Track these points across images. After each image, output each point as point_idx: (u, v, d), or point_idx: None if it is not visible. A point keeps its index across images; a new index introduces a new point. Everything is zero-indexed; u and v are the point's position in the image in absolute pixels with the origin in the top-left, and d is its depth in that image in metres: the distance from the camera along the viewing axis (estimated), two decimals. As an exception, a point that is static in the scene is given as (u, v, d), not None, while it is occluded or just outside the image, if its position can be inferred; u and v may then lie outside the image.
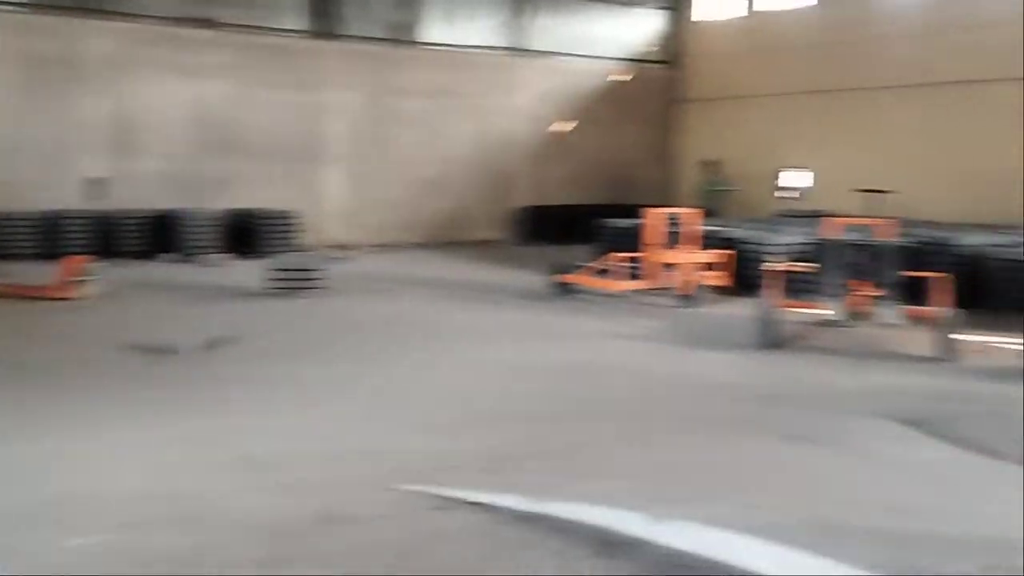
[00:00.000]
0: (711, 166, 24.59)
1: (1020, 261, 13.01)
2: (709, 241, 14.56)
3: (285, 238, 19.07)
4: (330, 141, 21.33)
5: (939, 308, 10.26)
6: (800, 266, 12.01)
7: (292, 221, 19.41)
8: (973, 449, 6.79)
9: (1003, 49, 18.55)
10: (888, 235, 11.62)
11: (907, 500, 5.74)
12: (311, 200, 20.74)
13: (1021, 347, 10.45)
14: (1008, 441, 6.95)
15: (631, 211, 15.83)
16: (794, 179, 23.17)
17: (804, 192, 22.72)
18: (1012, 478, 6.19)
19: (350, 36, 21.43)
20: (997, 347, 10.59)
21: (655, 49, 25.73)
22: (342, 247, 20.16)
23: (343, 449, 6.63)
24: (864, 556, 4.63)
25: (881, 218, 13.65)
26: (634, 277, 13.87)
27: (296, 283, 13.95)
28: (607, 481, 5.96)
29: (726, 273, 14.06)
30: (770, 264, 12.20)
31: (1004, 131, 18.65)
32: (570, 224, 21.25)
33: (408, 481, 5.78)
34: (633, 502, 5.44)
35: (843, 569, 4.44)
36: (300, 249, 18.54)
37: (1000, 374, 9.35)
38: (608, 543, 4.84)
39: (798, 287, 11.61)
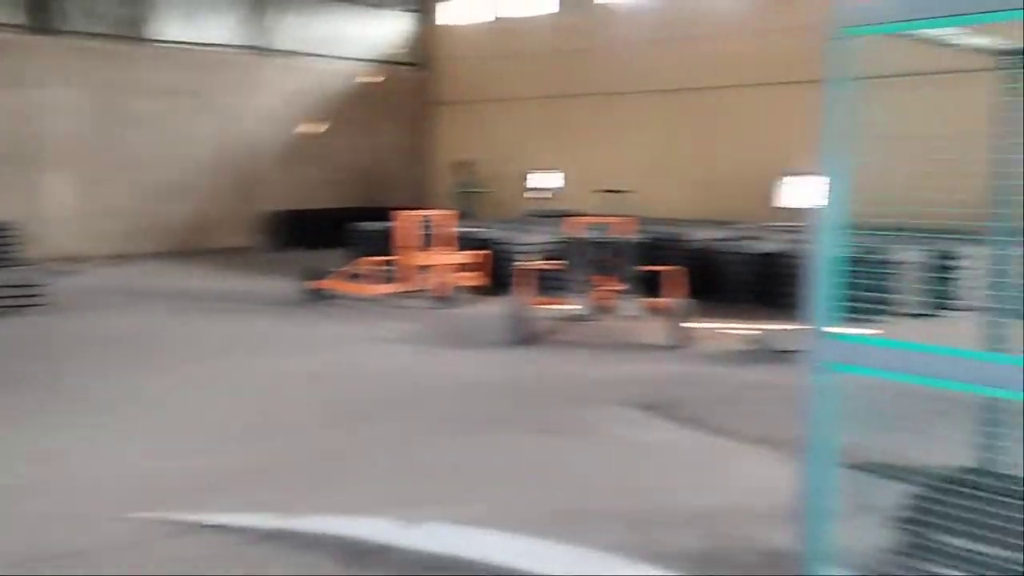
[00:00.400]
0: (463, 167, 24.99)
1: (743, 254, 14.19)
2: (464, 242, 14.74)
3: (2, 251, 17.22)
4: (52, 145, 19.53)
5: (674, 299, 10.98)
6: (549, 264, 12.44)
7: (10, 232, 17.55)
8: (704, 428, 7.29)
9: (727, 58, 20.19)
10: (627, 233, 12.29)
11: (645, 481, 6.06)
12: (32, 209, 18.86)
13: (745, 332, 11.38)
14: (735, 418, 7.54)
15: (386, 214, 15.73)
16: (544, 180, 24.01)
17: (555, 192, 23.60)
18: (738, 453, 6.70)
19: (72, 32, 19.71)
20: (725, 333, 11.48)
21: (404, 51, 25.80)
22: (71, 259, 18.55)
23: (72, 478, 6.05)
24: (603, 538, 4.83)
25: (621, 217, 14.41)
26: (389, 280, 13.79)
27: (15, 300, 12.65)
28: (361, 489, 5.84)
29: (481, 273, 14.30)
30: (521, 263, 12.54)
31: (729, 135, 20.31)
32: (324, 228, 20.79)
33: (145, 508, 5.37)
34: (386, 508, 5.36)
35: (586, 554, 4.60)
36: (21, 263, 16.83)
37: (728, 357, 10.16)
38: (358, 552, 4.73)
39: (548, 284, 12.02)
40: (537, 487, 5.92)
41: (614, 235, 12.15)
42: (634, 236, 12.39)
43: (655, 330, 10.98)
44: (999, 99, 4.14)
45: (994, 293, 4.37)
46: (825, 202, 3.43)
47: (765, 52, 19.37)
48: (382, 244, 14.82)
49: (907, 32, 3.42)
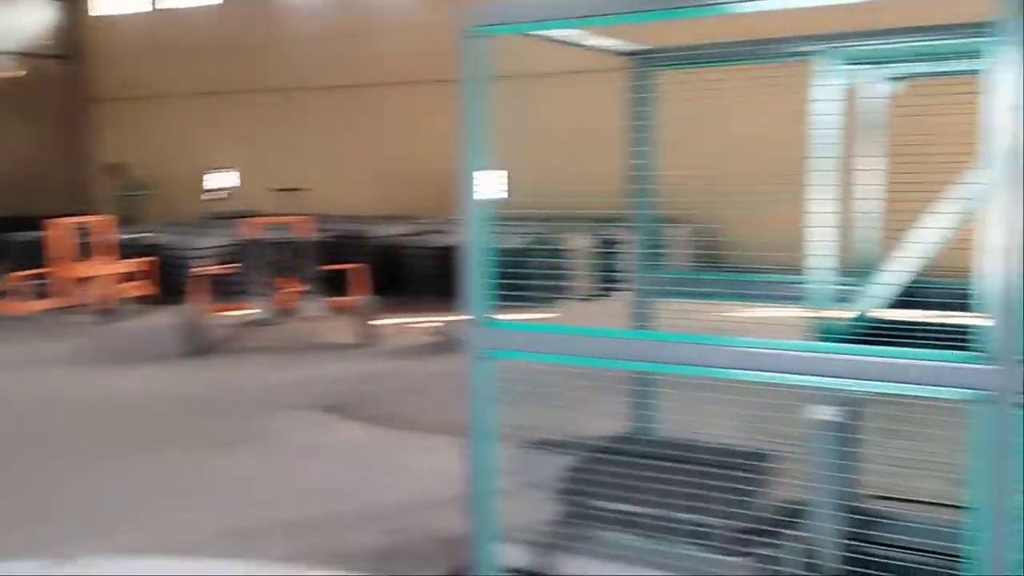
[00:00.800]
0: (117, 170, 23.13)
1: (426, 248, 14.46)
2: (129, 249, 13.70)
3: None
4: None
5: (358, 297, 10.94)
6: (225, 268, 11.90)
7: None
8: (388, 424, 7.32)
9: (403, 54, 20.40)
10: (307, 232, 12.05)
11: (325, 484, 5.95)
12: None
13: (430, 325, 11.62)
14: (418, 411, 7.64)
15: (37, 223, 14.18)
16: (220, 180, 22.91)
17: (232, 192, 22.60)
18: (421, 445, 6.78)
19: None
20: (410, 327, 11.64)
21: (51, 43, 23.42)
22: None
23: None
24: (280, 548, 4.68)
25: (301, 216, 14.10)
26: (43, 296, 12.49)
27: None
28: (8, 531, 5.20)
29: (149, 282, 13.38)
30: (195, 269, 11.88)
31: (409, 130, 20.57)
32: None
33: None
34: (39, 548, 4.82)
35: (260, 566, 4.44)
36: None
37: (413, 351, 10.30)
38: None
39: (225, 289, 11.47)
40: (207, 505, 5.62)
41: (294, 235, 11.88)
42: (315, 235, 12.19)
43: (341, 329, 10.88)
44: (628, 96, 4.51)
45: (640, 275, 4.76)
46: (472, 196, 3.53)
47: (439, 48, 19.69)
48: (33, 256, 13.38)
49: (540, 32, 3.60)
